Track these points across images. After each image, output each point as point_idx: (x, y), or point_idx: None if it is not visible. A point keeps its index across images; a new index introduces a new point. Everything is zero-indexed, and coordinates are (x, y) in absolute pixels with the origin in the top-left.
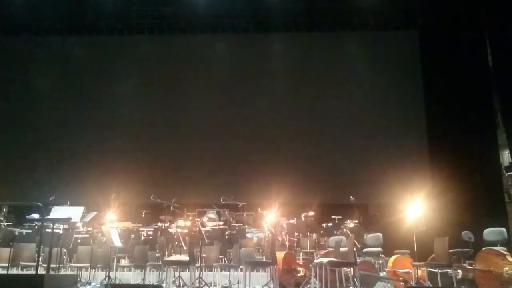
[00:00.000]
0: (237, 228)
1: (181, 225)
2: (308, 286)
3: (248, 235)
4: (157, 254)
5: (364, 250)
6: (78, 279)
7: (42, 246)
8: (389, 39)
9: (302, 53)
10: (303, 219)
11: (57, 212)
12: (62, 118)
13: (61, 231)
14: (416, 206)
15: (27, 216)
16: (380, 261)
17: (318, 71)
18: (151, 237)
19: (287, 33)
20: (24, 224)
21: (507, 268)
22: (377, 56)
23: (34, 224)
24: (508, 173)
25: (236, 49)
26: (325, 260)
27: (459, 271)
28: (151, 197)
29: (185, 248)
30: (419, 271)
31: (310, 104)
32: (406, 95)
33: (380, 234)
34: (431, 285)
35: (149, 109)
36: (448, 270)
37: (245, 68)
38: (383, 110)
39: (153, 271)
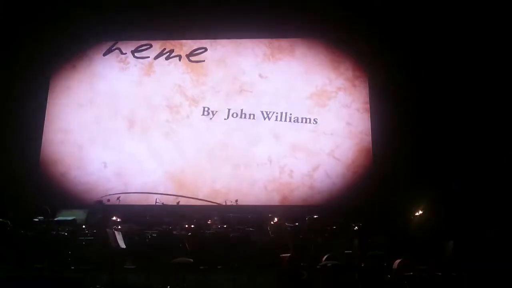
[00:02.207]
0: (241, 230)
1: (185, 228)
2: None
3: (252, 237)
4: (161, 257)
5: (369, 253)
6: (83, 281)
7: (47, 249)
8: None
9: None
10: (308, 221)
11: (62, 214)
12: None
13: (66, 234)
14: (422, 209)
15: (33, 219)
16: (385, 264)
17: None
18: (155, 240)
19: None
20: (29, 226)
21: None
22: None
23: (39, 226)
24: None
25: None
26: (329, 263)
27: None
28: (155, 200)
29: (189, 250)
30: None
31: None
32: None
33: (385, 237)
34: None
35: None
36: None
37: None
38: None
39: (157, 273)
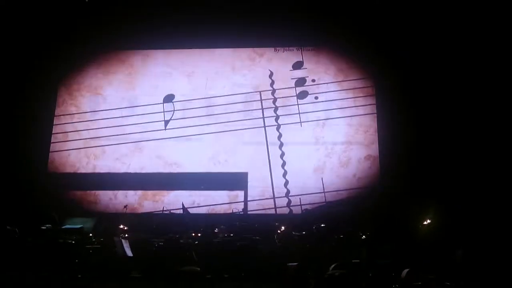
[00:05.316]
0: (248, 239)
1: (192, 236)
2: None
3: (259, 246)
4: (168, 265)
5: (377, 262)
6: None
7: (54, 257)
8: None
9: None
10: (315, 230)
11: (69, 222)
12: None
13: (73, 242)
14: (430, 218)
15: (40, 227)
16: (393, 274)
17: None
18: (162, 248)
19: None
20: (37, 234)
21: None
22: None
23: (47, 234)
24: None
25: None
26: (337, 272)
27: None
28: (163, 209)
29: (196, 259)
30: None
31: None
32: None
33: (393, 246)
34: None
35: None
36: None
37: None
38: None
39: (164, 282)
